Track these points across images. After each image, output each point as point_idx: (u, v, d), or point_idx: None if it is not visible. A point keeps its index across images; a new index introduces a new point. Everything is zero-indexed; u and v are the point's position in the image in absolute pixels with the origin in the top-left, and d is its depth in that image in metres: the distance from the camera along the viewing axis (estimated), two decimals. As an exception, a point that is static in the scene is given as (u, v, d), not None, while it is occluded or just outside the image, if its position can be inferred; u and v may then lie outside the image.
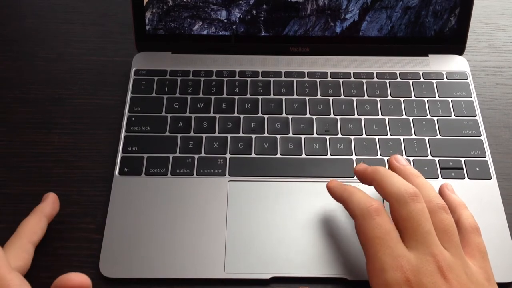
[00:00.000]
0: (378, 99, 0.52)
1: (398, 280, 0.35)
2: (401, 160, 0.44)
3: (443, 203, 0.39)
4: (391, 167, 0.44)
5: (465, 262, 0.36)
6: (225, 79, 0.54)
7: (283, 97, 0.53)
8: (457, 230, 0.38)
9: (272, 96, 0.53)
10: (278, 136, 0.50)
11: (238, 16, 0.54)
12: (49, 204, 0.43)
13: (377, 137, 0.50)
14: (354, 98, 0.53)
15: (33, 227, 0.40)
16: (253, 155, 0.48)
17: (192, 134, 0.50)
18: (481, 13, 0.62)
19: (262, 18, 0.54)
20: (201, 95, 0.53)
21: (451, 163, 0.48)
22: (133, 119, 0.51)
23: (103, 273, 0.42)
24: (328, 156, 0.48)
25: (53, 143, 0.51)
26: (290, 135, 0.50)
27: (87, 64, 0.57)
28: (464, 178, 0.47)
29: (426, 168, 0.48)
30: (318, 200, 0.45)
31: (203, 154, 0.48)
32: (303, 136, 0.50)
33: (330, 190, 0.43)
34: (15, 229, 0.45)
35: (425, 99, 0.52)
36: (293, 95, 0.53)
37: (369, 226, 0.37)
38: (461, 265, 0.36)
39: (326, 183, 0.43)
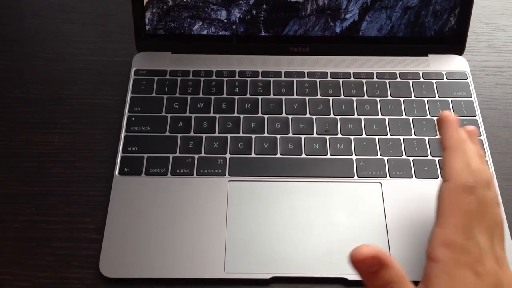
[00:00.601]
0: (378, 99, 0.52)
1: (460, 262, 0.34)
2: (473, 130, 0.41)
3: (496, 199, 0.38)
4: (457, 133, 0.40)
5: (502, 256, 0.36)
6: (225, 79, 0.54)
7: (283, 97, 0.53)
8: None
9: (272, 96, 0.53)
10: (278, 136, 0.50)
11: (238, 16, 0.54)
12: None
13: (377, 137, 0.50)
14: (354, 98, 0.53)
15: None
16: (253, 155, 0.48)
17: (192, 134, 0.50)
18: (481, 13, 0.62)
19: (262, 18, 0.54)
20: (201, 95, 0.53)
21: (451, 163, 0.48)
22: (133, 119, 0.51)
23: (103, 273, 0.42)
24: (328, 156, 0.48)
25: (53, 143, 0.51)
26: (290, 135, 0.50)
27: (87, 64, 0.57)
28: (464, 178, 0.47)
29: (426, 168, 0.48)
30: (318, 200, 0.46)
31: (203, 154, 0.48)
32: (303, 136, 0.50)
33: (443, 120, 0.40)
34: (16, 228, 0.45)
35: (425, 99, 0.52)
36: (293, 95, 0.53)
37: (464, 198, 0.36)
38: (496, 263, 0.35)
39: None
